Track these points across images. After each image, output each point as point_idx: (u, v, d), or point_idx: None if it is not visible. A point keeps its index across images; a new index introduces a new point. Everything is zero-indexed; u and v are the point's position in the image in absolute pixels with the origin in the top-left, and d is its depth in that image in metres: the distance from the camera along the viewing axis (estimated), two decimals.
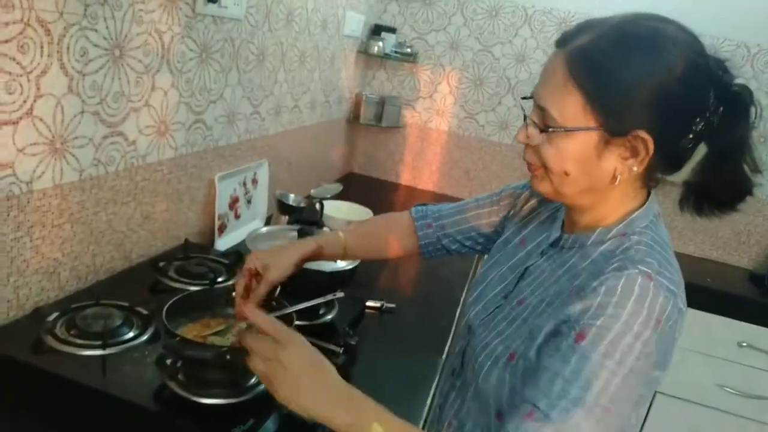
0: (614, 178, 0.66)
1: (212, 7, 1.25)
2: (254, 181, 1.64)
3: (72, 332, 0.92)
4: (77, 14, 0.92)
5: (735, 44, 2.14)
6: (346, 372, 1.03)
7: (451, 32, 2.41)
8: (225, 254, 1.32)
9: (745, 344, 2.03)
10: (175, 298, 0.88)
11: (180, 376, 0.83)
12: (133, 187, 1.17)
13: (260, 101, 1.62)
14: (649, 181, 0.70)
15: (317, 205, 1.57)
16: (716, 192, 0.68)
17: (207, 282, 1.16)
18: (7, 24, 0.81)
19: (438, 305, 1.37)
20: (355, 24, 2.20)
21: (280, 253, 0.90)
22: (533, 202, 0.90)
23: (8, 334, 0.92)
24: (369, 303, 1.30)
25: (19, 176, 0.90)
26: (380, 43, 2.32)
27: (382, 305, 1.31)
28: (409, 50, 2.40)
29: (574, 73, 0.64)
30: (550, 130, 0.66)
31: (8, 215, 0.90)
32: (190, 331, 0.89)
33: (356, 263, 1.15)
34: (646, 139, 0.63)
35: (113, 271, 1.17)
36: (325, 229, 0.97)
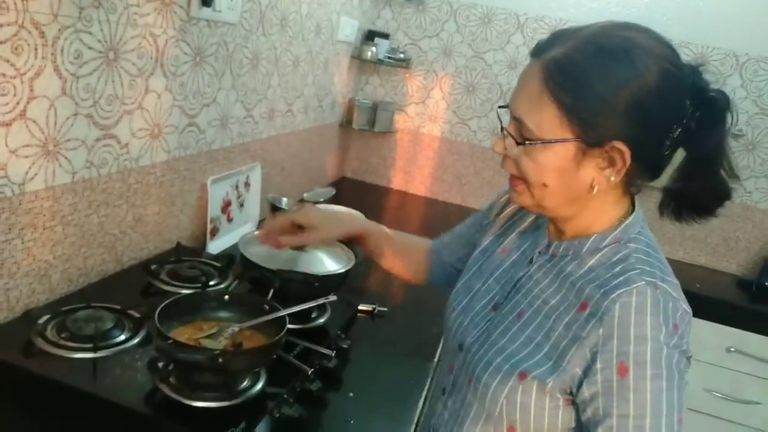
0: (592, 188, 0.67)
1: (207, 11, 1.25)
2: (247, 185, 1.64)
3: (63, 335, 0.92)
4: (72, 17, 0.92)
5: (724, 53, 2.18)
6: (337, 375, 1.04)
7: (444, 38, 2.43)
8: (217, 258, 1.32)
9: (733, 349, 2.05)
10: (167, 301, 0.88)
11: (172, 379, 0.83)
12: (125, 189, 1.17)
13: (254, 105, 1.62)
14: (630, 187, 0.71)
15: None
16: (695, 198, 0.68)
17: (199, 285, 1.15)
18: (1, 26, 0.81)
19: (429, 310, 1.37)
20: (349, 29, 2.21)
21: (331, 221, 0.96)
22: (509, 210, 0.89)
23: None
24: (361, 307, 1.30)
25: (11, 178, 0.90)
26: (373, 49, 2.33)
27: (374, 309, 1.31)
28: (402, 56, 2.42)
29: (550, 86, 0.64)
30: (528, 143, 0.67)
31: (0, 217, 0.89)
32: (183, 333, 0.89)
33: (349, 267, 1.16)
34: (623, 150, 0.64)
35: (105, 274, 1.17)
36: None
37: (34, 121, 0.91)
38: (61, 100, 0.95)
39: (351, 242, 1.02)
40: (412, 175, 2.61)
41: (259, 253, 1.11)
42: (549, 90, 0.64)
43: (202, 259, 1.31)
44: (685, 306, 0.65)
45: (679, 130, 0.65)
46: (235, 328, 0.90)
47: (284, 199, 1.65)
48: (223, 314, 0.95)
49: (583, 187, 0.67)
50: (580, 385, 0.64)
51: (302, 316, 1.10)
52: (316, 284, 1.09)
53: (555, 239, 0.76)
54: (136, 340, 0.94)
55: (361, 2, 2.28)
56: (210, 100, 1.40)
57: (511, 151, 0.70)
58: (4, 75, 0.83)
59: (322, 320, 1.14)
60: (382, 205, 2.43)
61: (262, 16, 1.53)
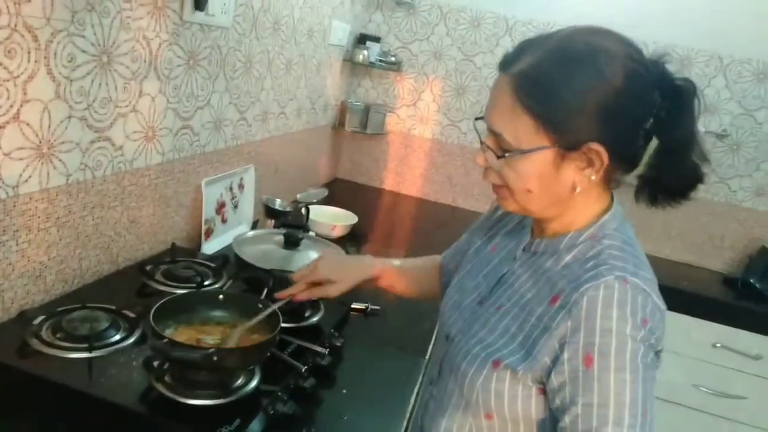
0: (573, 188, 0.69)
1: (200, 15, 1.26)
2: (241, 186, 1.65)
3: (58, 335, 0.92)
4: (65, 20, 0.93)
5: (708, 55, 2.22)
6: (331, 373, 1.05)
7: (434, 42, 2.45)
8: (212, 258, 1.33)
9: (719, 345, 2.09)
10: (162, 301, 0.89)
11: (167, 378, 0.84)
12: (120, 191, 1.18)
13: (247, 108, 1.64)
14: (609, 182, 0.73)
15: (303, 210, 1.59)
16: (669, 183, 0.70)
17: (194, 285, 1.16)
18: None
19: (421, 309, 1.39)
20: (341, 33, 2.23)
21: (347, 272, 1.01)
22: (500, 212, 0.93)
23: None
24: (354, 305, 1.32)
25: (5, 180, 0.90)
26: (365, 52, 2.35)
27: (367, 308, 1.33)
28: (393, 59, 2.44)
29: (521, 97, 0.67)
30: (507, 155, 0.69)
31: None
32: (182, 335, 0.89)
33: None
34: (599, 150, 0.66)
35: (100, 275, 1.18)
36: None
37: (27, 124, 0.92)
38: (54, 103, 0.96)
39: (371, 284, 1.07)
40: (404, 176, 2.63)
41: (253, 253, 1.13)
42: (521, 102, 0.67)
43: (197, 260, 1.32)
44: (657, 300, 0.66)
45: (651, 120, 0.67)
46: (236, 338, 0.89)
47: (278, 200, 1.66)
48: (217, 314, 0.97)
49: (565, 189, 0.70)
50: (549, 374, 0.67)
51: (296, 315, 1.12)
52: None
53: (537, 237, 0.79)
54: (131, 340, 0.95)
55: (352, 6, 2.30)
56: (204, 103, 1.41)
57: (492, 163, 0.72)
58: None
59: (315, 319, 1.15)
60: (375, 206, 2.45)
61: (255, 20, 1.54)
